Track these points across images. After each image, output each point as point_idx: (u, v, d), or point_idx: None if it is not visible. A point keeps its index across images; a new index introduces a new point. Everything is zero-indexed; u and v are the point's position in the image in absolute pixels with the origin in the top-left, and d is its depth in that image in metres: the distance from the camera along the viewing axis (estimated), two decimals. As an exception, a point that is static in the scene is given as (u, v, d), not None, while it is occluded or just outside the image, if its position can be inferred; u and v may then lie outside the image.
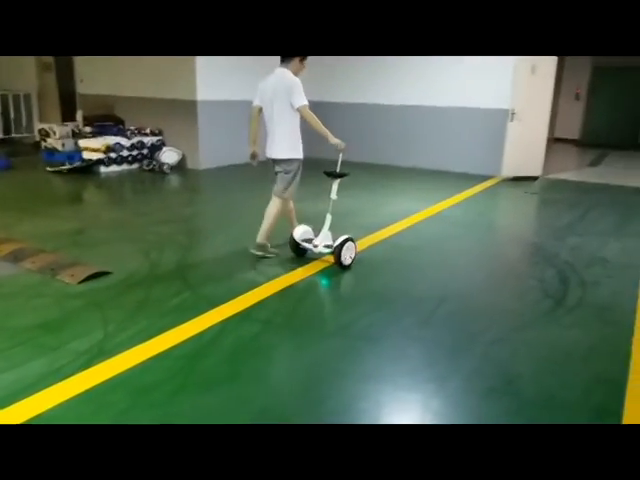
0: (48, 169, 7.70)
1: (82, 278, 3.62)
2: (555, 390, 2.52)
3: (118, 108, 9.01)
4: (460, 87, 8.40)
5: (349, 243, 4.07)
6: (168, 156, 8.21)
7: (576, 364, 2.77)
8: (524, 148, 8.15)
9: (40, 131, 8.78)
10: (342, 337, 3.00)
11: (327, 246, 4.13)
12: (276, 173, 4.31)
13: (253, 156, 4.35)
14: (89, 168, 7.73)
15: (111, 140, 7.93)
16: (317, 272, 3.96)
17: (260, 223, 4.28)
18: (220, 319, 3.13)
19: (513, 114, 8.05)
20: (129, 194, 7.08)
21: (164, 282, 3.68)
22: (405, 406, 2.43)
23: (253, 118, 4.33)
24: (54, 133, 8.48)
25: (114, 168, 7.93)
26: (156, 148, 8.36)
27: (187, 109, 8.12)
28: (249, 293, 3.51)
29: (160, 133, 8.55)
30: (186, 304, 3.34)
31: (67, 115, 9.67)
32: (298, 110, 3.99)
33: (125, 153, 8.06)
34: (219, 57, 8.10)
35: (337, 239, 4.06)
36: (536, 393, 2.50)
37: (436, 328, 3.15)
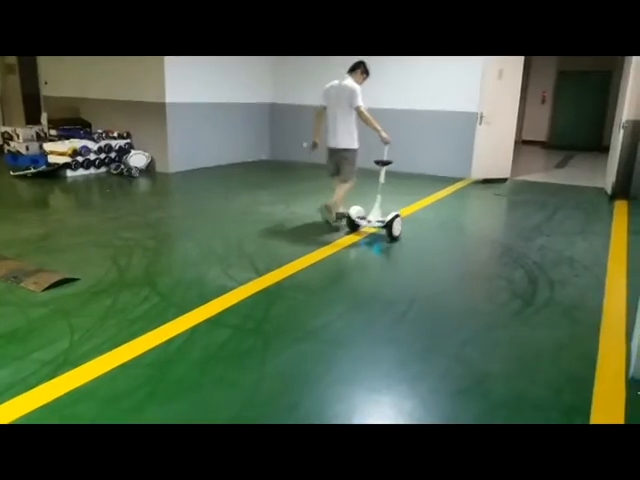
0: (12, 173, 7.49)
1: (47, 285, 3.52)
2: (525, 390, 2.55)
3: (85, 111, 8.83)
4: (430, 91, 8.49)
5: (398, 218, 4.90)
6: (136, 159, 8.08)
7: (546, 363, 2.81)
8: (493, 150, 8.28)
9: (3, 134, 8.55)
10: (314, 341, 2.98)
11: (379, 221, 4.94)
12: (334, 161, 5.21)
13: (314, 145, 5.25)
14: (55, 172, 7.55)
15: (78, 143, 7.76)
16: (289, 276, 3.94)
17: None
18: (190, 325, 3.07)
19: (482, 117, 8.17)
20: (96, 198, 6.93)
21: (132, 288, 3.60)
22: (378, 409, 2.42)
23: (318, 115, 5.23)
24: (17, 136, 8.26)
25: (81, 172, 7.76)
26: (124, 151, 8.22)
27: (156, 112, 8.00)
28: (219, 298, 3.46)
29: (128, 136, 8.41)
30: (155, 311, 3.28)
31: (32, 118, 9.42)
32: (356, 109, 4.90)
33: (92, 156, 7.90)
34: (188, 59, 8.02)
35: (388, 215, 4.88)
36: (506, 393, 2.52)
37: (408, 329, 3.16)
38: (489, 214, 6.80)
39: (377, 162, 5.00)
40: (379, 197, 5.04)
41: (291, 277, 3.92)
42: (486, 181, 8.17)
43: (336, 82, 5.05)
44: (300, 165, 9.24)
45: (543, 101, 13.94)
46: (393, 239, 4.87)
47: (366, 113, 4.90)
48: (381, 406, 2.44)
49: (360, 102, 4.90)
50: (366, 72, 5.13)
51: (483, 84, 8.08)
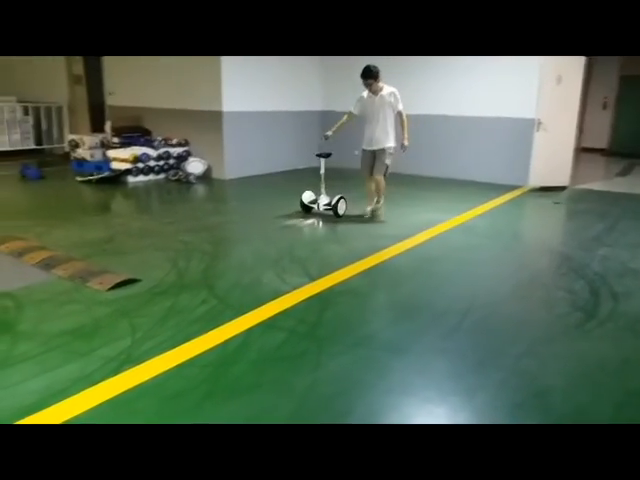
0: (78, 179, 7.88)
1: (111, 285, 3.69)
2: (586, 404, 2.47)
3: (145, 119, 9.18)
4: (485, 96, 8.35)
5: (342, 200, 5.95)
6: (194, 166, 8.32)
7: (608, 378, 2.70)
8: (551, 158, 8.04)
9: (70, 142, 9.01)
10: (367, 348, 2.98)
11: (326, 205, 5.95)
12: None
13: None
14: (117, 178, 7.88)
15: (138, 150, 8.07)
16: (341, 282, 3.96)
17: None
18: (246, 327, 3.15)
19: (539, 124, 7.96)
20: (156, 203, 7.19)
21: (191, 290, 3.72)
22: (431, 420, 2.40)
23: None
24: (83, 144, 8.69)
25: (141, 178, 8.07)
26: (182, 158, 8.49)
27: (213, 120, 8.23)
28: (274, 302, 3.53)
29: (186, 144, 8.68)
30: (212, 312, 3.37)
31: (96, 126, 9.89)
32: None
33: (152, 163, 8.20)
34: (243, 69, 8.22)
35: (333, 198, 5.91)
36: (566, 407, 2.45)
37: (462, 340, 3.11)
38: (547, 223, 6.60)
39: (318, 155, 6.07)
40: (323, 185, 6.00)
41: (343, 283, 3.94)
42: (544, 189, 7.94)
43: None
44: (350, 172, 9.26)
45: (604, 107, 13.42)
46: (338, 216, 5.88)
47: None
48: (435, 417, 2.41)
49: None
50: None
51: (541, 90, 7.87)
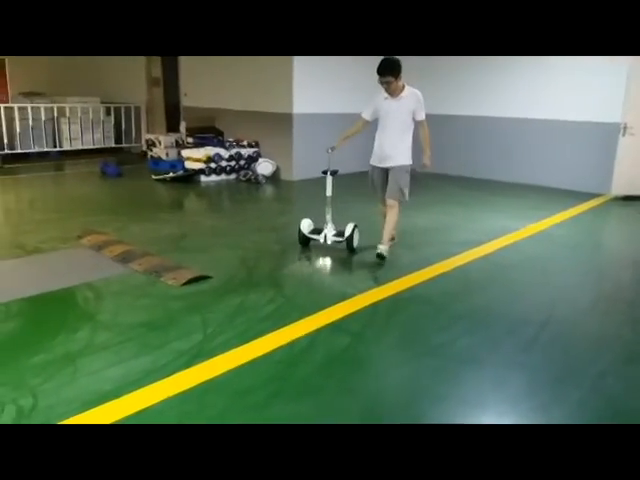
0: (153, 177, 8.19)
1: (184, 281, 3.79)
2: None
3: (218, 120, 9.44)
4: (566, 99, 7.96)
5: (356, 229, 4.68)
6: (263, 167, 8.46)
7: None
8: (637, 164, 7.54)
9: (147, 141, 9.42)
10: (437, 357, 2.90)
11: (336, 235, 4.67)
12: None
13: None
14: (190, 177, 8.13)
15: (211, 151, 8.29)
16: (410, 287, 3.88)
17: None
18: (312, 328, 3.14)
19: (625, 128, 7.49)
20: (227, 203, 7.37)
21: (260, 289, 3.77)
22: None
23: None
24: (159, 143, 9.05)
25: (213, 178, 8.28)
26: (252, 159, 8.65)
27: (283, 122, 8.34)
28: (340, 304, 3.50)
29: (257, 145, 8.84)
30: (280, 312, 3.40)
31: (172, 127, 10.27)
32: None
33: (224, 164, 8.39)
34: (314, 70, 8.27)
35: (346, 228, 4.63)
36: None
37: (539, 354, 2.96)
38: (631, 234, 6.18)
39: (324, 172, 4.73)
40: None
41: (412, 289, 3.86)
42: (628, 198, 7.46)
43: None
44: (418, 175, 9.10)
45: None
46: (352, 250, 4.64)
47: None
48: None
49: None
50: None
51: (628, 91, 7.40)
